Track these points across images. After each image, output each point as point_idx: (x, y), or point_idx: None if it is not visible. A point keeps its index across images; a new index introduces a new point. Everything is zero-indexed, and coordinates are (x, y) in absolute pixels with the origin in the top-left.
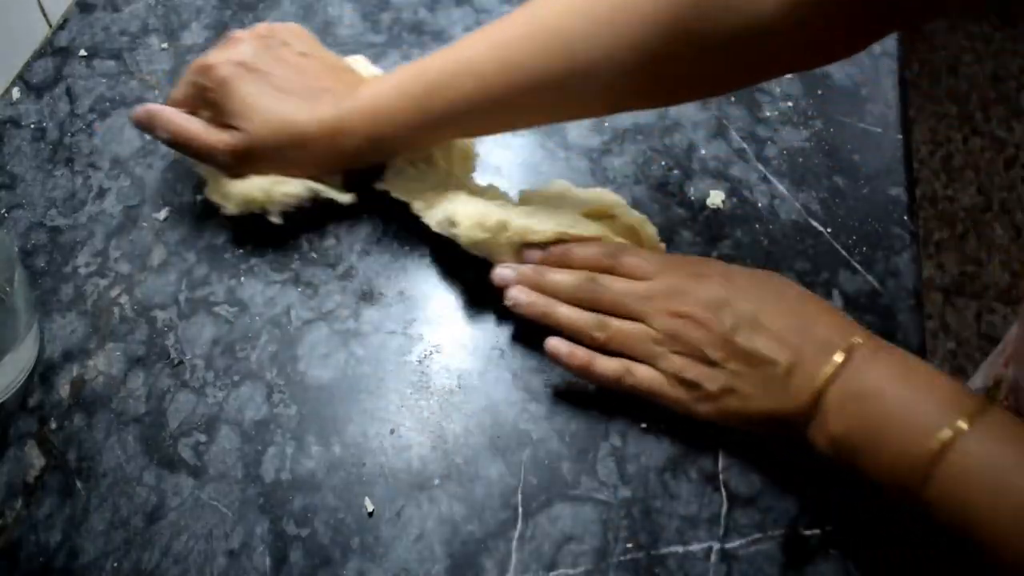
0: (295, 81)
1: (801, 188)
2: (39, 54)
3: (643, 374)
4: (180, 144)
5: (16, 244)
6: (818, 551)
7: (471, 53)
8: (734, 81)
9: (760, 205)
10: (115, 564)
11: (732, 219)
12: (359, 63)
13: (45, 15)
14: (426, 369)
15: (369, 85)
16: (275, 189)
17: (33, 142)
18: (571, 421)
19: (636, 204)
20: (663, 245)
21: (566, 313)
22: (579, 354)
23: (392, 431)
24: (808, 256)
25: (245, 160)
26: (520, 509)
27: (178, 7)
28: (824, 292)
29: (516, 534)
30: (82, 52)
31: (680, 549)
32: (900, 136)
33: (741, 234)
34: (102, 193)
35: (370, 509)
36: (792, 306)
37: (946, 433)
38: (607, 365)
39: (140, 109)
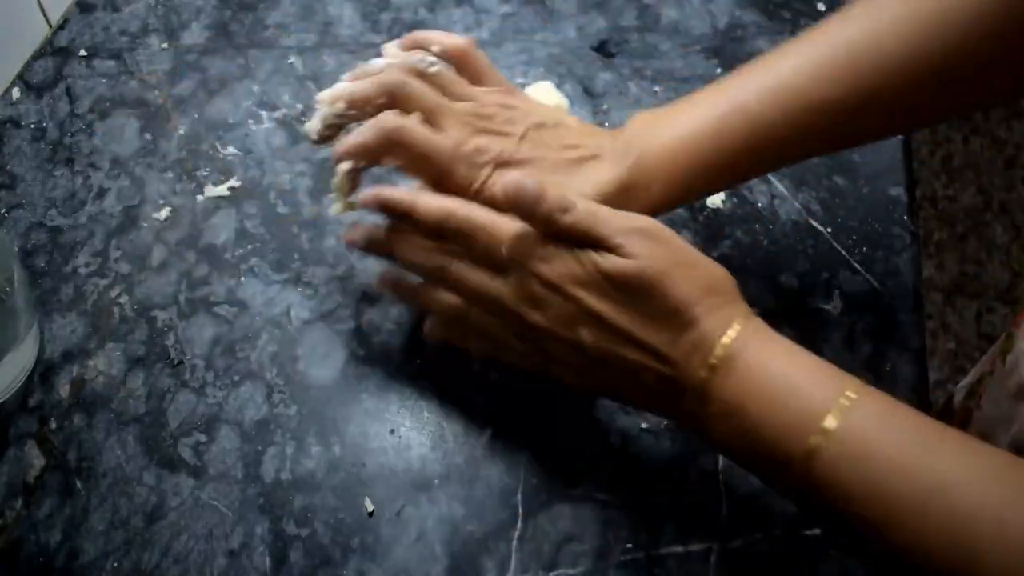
0: (558, 155)
1: (801, 188)
2: (39, 54)
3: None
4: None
5: (16, 244)
6: (818, 551)
7: (785, 69)
8: None
9: (760, 205)
10: (115, 564)
11: (732, 219)
12: (542, 89)
13: (45, 15)
14: (426, 369)
15: (652, 127)
16: None
17: (33, 142)
18: (571, 421)
19: None
20: None
21: (436, 298)
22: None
23: (392, 431)
24: (808, 256)
25: None
26: (520, 509)
27: (178, 7)
28: (824, 292)
29: (516, 534)
30: (82, 52)
31: (680, 549)
32: (900, 136)
33: (741, 234)
34: (102, 193)
35: (370, 509)
36: (662, 312)
37: (825, 422)
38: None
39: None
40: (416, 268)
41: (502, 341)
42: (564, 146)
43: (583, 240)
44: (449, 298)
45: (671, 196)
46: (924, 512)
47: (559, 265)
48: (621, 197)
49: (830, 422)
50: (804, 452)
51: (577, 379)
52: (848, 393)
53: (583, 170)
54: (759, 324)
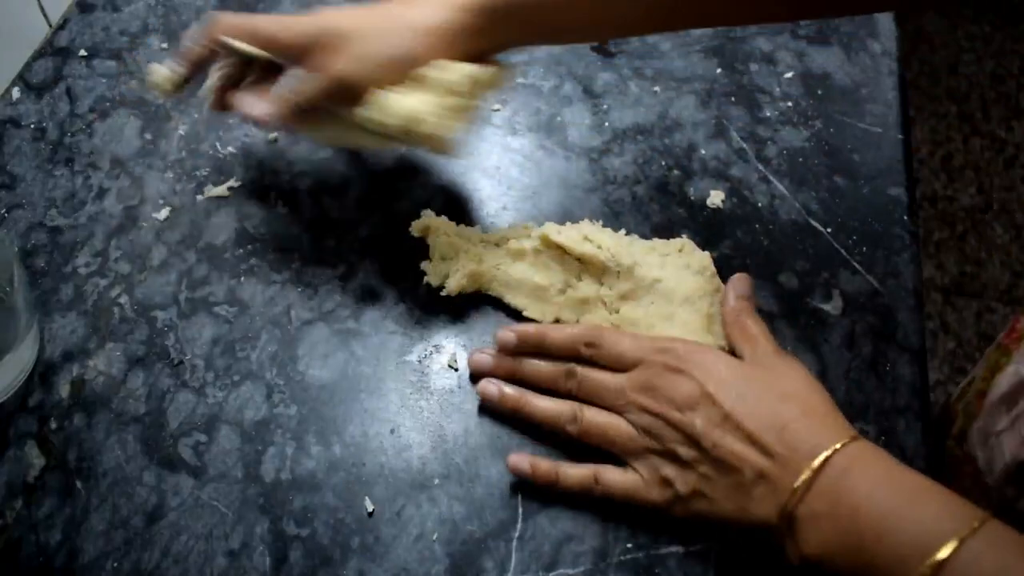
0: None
1: (801, 188)
2: (39, 54)
3: (613, 478)
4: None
5: (16, 244)
6: None
7: None
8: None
9: (760, 205)
10: (115, 564)
11: (732, 219)
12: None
13: (45, 15)
14: (426, 369)
15: None
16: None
17: (33, 142)
18: None
19: (637, 203)
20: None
21: (540, 405)
22: (543, 467)
23: (392, 431)
24: (808, 256)
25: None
26: (520, 509)
27: (178, 7)
28: (824, 292)
29: (516, 534)
30: (82, 52)
31: (680, 549)
32: (900, 136)
33: (741, 234)
34: (102, 193)
35: (370, 509)
36: (771, 403)
37: (936, 558)
38: (573, 474)
39: None
40: (540, 377)
41: (612, 435)
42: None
43: None
44: (562, 403)
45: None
46: None
47: (687, 350)
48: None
49: (941, 556)
50: None
51: (680, 484)
52: (959, 535)
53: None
54: (865, 442)
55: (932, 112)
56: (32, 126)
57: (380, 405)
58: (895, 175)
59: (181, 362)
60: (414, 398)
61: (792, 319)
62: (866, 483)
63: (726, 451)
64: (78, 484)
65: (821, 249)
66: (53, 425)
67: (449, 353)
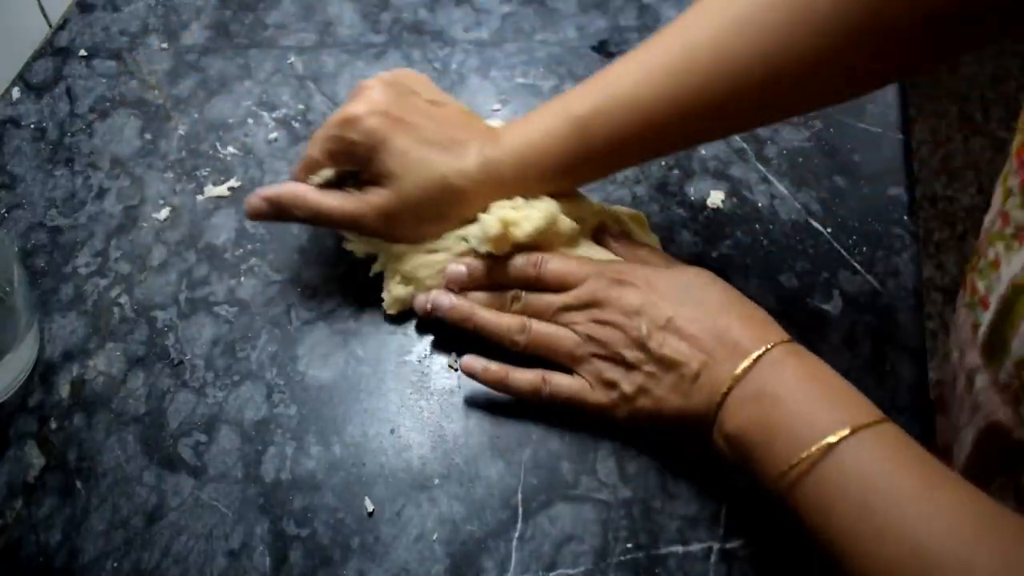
0: (436, 132)
1: (801, 188)
2: (39, 54)
3: (561, 381)
4: (321, 221)
5: (16, 244)
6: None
7: (622, 84)
8: (917, 68)
9: (760, 205)
10: (115, 564)
11: (732, 219)
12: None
13: (45, 15)
14: (426, 369)
15: (511, 131)
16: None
17: (33, 142)
18: (571, 421)
19: (636, 203)
20: (655, 237)
21: (487, 316)
22: (493, 368)
23: (392, 431)
24: (808, 256)
25: (392, 222)
26: (520, 509)
27: (178, 7)
28: (824, 292)
29: (516, 534)
30: (82, 52)
31: (680, 549)
32: (900, 136)
33: (741, 234)
34: (102, 193)
35: (370, 509)
36: (711, 309)
37: (827, 440)
38: (523, 377)
39: (259, 198)
40: (487, 304)
41: (559, 344)
42: (449, 123)
43: None
44: (511, 316)
45: (528, 190)
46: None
47: (629, 267)
48: (477, 187)
49: (830, 440)
50: (793, 467)
51: (625, 384)
52: (854, 425)
53: (451, 151)
54: (800, 346)
55: (932, 112)
56: (32, 126)
57: (380, 405)
58: (895, 175)
59: (181, 362)
60: (414, 398)
61: (792, 319)
62: (794, 375)
63: (671, 349)
64: (78, 484)
65: (821, 249)
66: (53, 425)
67: (449, 353)
